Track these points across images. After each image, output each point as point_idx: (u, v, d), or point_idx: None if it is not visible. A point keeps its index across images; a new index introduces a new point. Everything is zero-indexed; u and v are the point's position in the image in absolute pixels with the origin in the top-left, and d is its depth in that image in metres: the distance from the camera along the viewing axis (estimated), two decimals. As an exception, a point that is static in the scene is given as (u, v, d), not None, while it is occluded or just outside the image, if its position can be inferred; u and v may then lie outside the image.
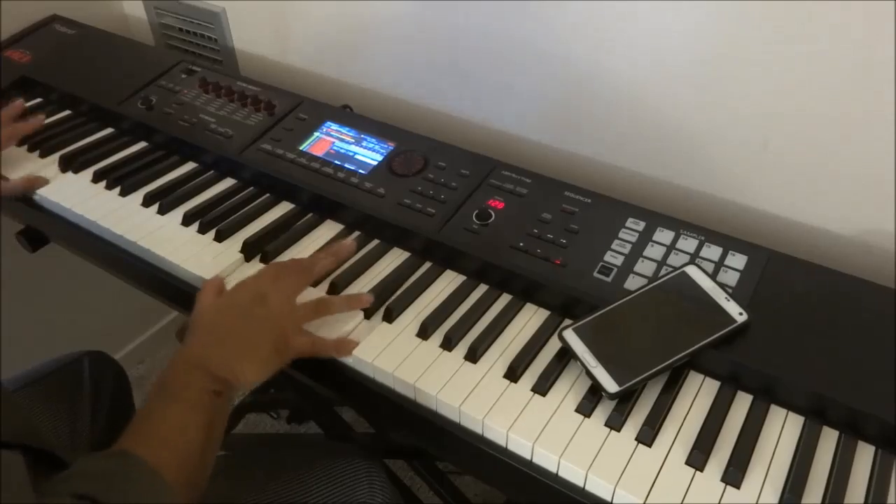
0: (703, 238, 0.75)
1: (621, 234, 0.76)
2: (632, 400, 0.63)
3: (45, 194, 0.89)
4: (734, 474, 0.57)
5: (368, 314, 0.73)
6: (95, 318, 1.51)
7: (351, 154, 0.90)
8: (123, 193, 0.89)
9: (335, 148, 0.91)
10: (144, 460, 0.54)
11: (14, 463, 0.49)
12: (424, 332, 0.70)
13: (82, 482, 0.51)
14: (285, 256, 0.80)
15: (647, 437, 0.60)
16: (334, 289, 0.75)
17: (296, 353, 0.67)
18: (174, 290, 0.80)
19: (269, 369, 0.65)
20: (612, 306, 0.68)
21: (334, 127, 0.94)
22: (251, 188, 0.90)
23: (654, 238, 0.75)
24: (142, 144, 0.99)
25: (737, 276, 0.71)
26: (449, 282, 0.77)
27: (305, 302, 0.70)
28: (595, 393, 0.63)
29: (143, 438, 0.57)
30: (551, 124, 0.97)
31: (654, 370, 0.63)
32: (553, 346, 0.69)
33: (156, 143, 0.99)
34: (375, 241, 0.82)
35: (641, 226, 0.77)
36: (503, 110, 1.00)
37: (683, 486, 0.57)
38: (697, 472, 0.58)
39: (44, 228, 0.96)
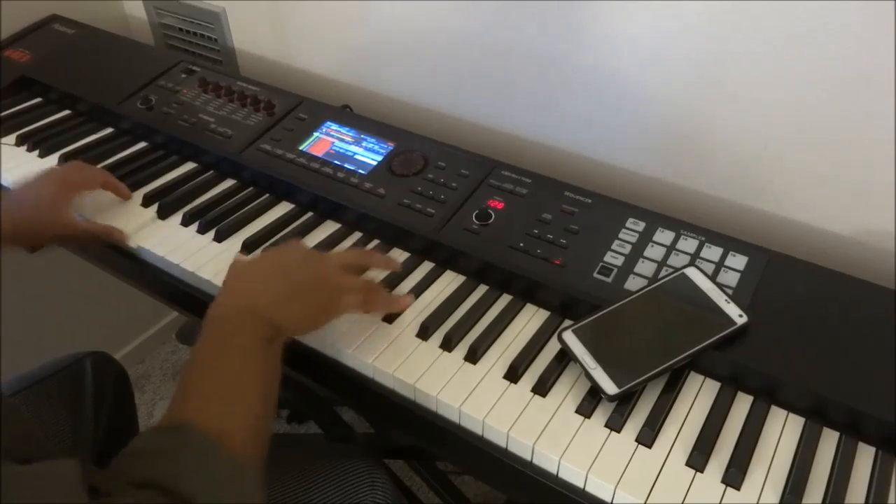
0: (703, 239, 0.75)
1: (621, 235, 0.76)
2: (632, 401, 0.63)
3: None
4: (734, 475, 0.57)
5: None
6: (95, 318, 1.51)
7: (351, 154, 0.90)
8: (123, 193, 0.89)
9: (335, 148, 0.91)
10: (206, 433, 0.48)
11: (70, 468, 0.43)
12: (424, 333, 0.70)
13: (140, 466, 0.46)
14: (285, 257, 0.80)
15: (647, 438, 0.60)
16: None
17: (345, 307, 0.65)
18: (174, 290, 0.80)
19: (318, 320, 0.63)
20: (611, 307, 0.68)
21: (334, 127, 0.94)
22: (251, 188, 0.90)
23: (655, 238, 0.75)
24: (141, 144, 0.99)
25: (737, 276, 0.71)
26: (449, 282, 0.77)
27: (354, 276, 0.68)
28: (595, 394, 0.63)
29: (200, 404, 0.51)
30: (551, 124, 0.97)
31: (653, 372, 0.63)
32: (553, 346, 0.68)
33: (155, 143, 0.98)
34: (375, 242, 0.82)
35: (641, 226, 0.76)
36: (503, 110, 1.00)
37: (684, 487, 0.57)
38: (698, 473, 0.58)
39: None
